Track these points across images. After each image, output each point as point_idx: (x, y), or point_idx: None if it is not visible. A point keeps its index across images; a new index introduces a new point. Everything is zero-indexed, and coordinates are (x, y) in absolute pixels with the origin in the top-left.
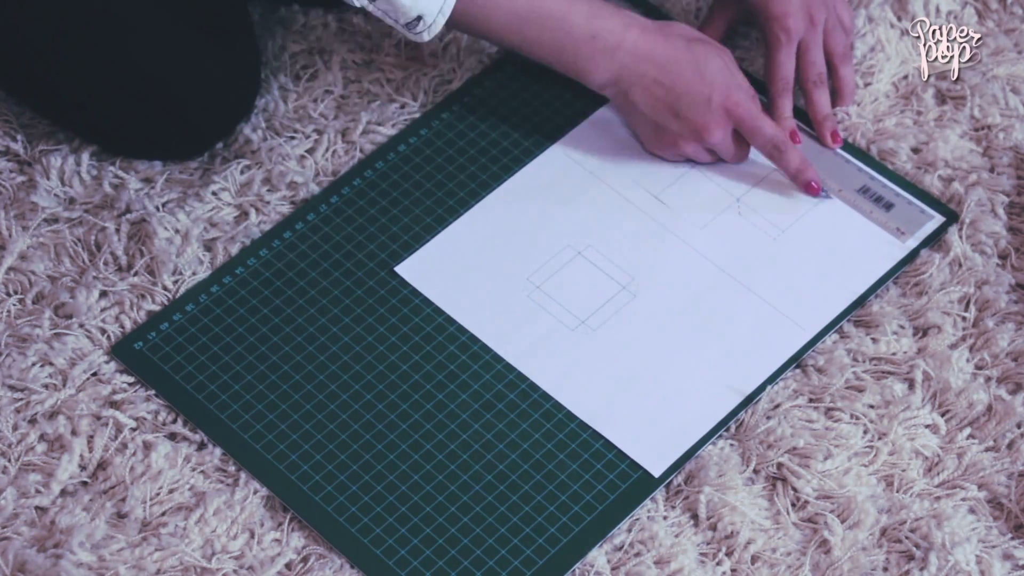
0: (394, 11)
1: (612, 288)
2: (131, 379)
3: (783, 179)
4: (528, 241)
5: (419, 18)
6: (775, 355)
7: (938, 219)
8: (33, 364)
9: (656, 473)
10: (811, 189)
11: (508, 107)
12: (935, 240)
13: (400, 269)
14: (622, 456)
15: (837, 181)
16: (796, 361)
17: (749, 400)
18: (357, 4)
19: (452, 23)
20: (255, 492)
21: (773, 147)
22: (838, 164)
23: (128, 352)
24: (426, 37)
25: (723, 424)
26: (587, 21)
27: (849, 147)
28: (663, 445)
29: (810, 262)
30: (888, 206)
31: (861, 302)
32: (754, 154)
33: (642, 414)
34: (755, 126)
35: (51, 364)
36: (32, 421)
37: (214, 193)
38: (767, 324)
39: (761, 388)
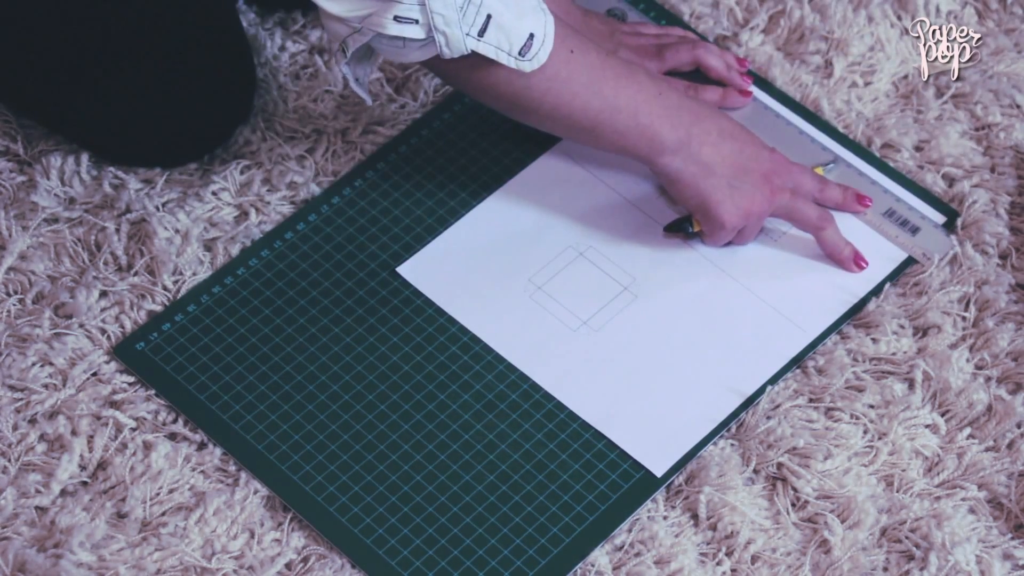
0: (506, 38)
1: (614, 289)
2: (131, 379)
3: None
4: (530, 242)
5: (531, 36)
6: (776, 357)
7: (940, 218)
8: (33, 364)
9: (659, 473)
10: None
11: None
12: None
13: (402, 270)
14: (624, 456)
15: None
16: (797, 363)
17: (750, 402)
18: (467, 50)
19: (540, 80)
20: (255, 492)
21: (847, 200)
22: (864, 186)
23: (130, 353)
24: (536, 64)
25: (724, 425)
26: (652, 79)
27: (855, 146)
28: (665, 445)
29: (811, 264)
30: (914, 229)
31: (862, 306)
32: None
33: (644, 415)
34: (823, 183)
35: (51, 364)
36: (32, 421)
37: (214, 193)
38: (768, 326)
39: (761, 390)
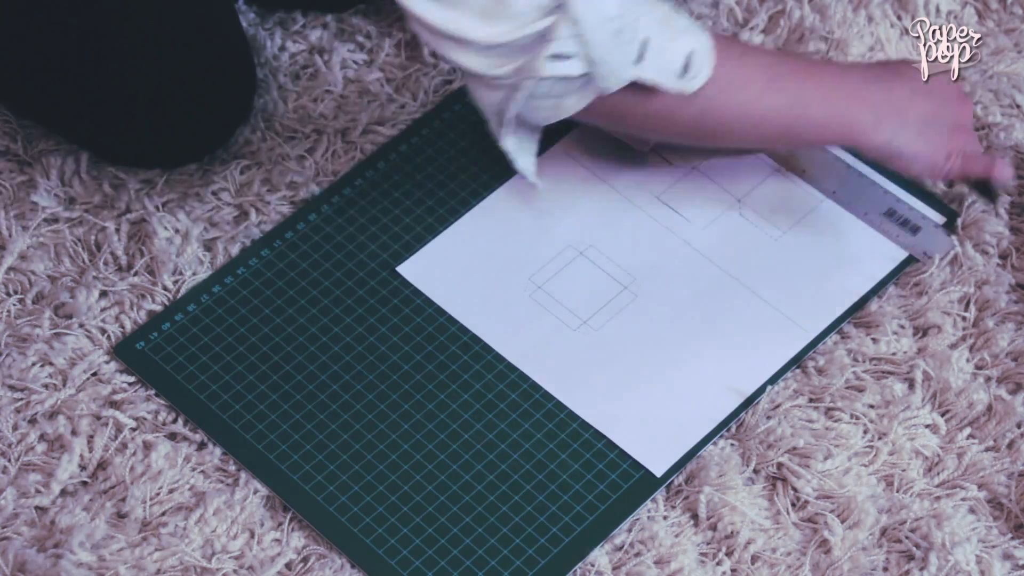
0: (665, 60)
1: (614, 288)
2: (131, 379)
3: (784, 180)
4: (530, 241)
5: (690, 53)
6: (776, 356)
7: (940, 218)
8: (33, 364)
9: (658, 473)
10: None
11: None
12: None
13: (402, 269)
14: (624, 456)
15: (863, 205)
16: (797, 362)
17: (750, 401)
18: (628, 78)
19: (714, 91)
20: (255, 492)
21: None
22: (864, 187)
23: (130, 352)
24: (699, 81)
25: (724, 424)
26: (827, 63)
27: (868, 161)
28: (665, 445)
29: (811, 263)
30: (915, 229)
31: (862, 304)
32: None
33: (644, 414)
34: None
35: (51, 364)
36: (32, 421)
37: (214, 193)
38: (768, 325)
39: (761, 389)
